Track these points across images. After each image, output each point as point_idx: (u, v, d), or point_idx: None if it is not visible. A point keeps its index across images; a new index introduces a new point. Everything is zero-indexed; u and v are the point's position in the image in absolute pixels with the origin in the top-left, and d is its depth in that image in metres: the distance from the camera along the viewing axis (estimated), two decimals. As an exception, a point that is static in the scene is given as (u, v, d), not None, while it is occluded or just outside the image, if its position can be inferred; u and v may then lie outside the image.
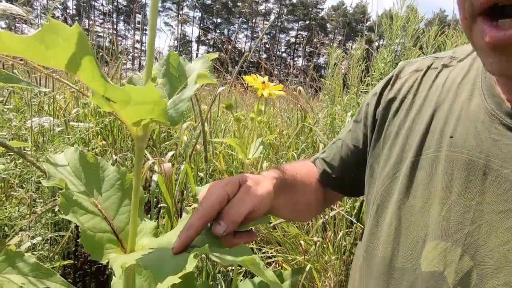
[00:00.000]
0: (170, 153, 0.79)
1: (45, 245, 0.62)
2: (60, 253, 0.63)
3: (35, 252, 0.60)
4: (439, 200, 0.38)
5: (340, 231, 1.32)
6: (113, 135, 1.52)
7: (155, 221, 0.40)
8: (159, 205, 0.79)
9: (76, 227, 0.72)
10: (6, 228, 0.65)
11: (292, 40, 40.12)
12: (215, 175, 1.56)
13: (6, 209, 0.60)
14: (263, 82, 0.47)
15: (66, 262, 0.62)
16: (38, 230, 0.59)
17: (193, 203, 0.76)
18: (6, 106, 0.88)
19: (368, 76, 1.64)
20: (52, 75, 0.65)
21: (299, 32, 39.93)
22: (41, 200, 0.68)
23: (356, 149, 0.53)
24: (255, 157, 0.48)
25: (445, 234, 0.36)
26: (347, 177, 0.55)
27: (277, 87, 0.49)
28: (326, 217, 1.35)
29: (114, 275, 0.41)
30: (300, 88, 1.96)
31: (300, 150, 1.93)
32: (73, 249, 0.63)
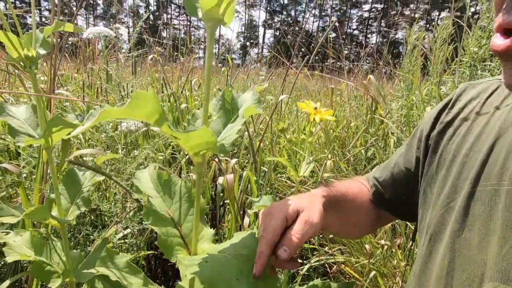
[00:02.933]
0: (233, 161, 0.84)
1: (134, 235, 0.75)
2: (145, 242, 0.76)
3: (126, 240, 0.74)
4: (498, 239, 0.35)
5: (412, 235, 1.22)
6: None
7: (219, 220, 0.44)
8: (225, 203, 0.85)
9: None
10: (105, 218, 0.81)
11: (365, 15, 36.66)
12: (278, 169, 1.59)
13: (106, 204, 0.75)
14: (315, 108, 0.47)
15: (149, 252, 0.74)
16: (128, 223, 0.71)
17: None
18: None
19: (455, 64, 1.41)
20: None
21: (374, 5, 36.18)
22: (130, 199, 0.81)
23: (408, 172, 0.52)
24: (305, 175, 0.48)
25: (505, 277, 0.34)
26: (399, 199, 0.54)
27: (328, 112, 0.49)
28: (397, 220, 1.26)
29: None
30: (371, 76, 1.80)
31: (369, 144, 1.81)
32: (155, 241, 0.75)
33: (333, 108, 2.33)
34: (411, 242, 1.21)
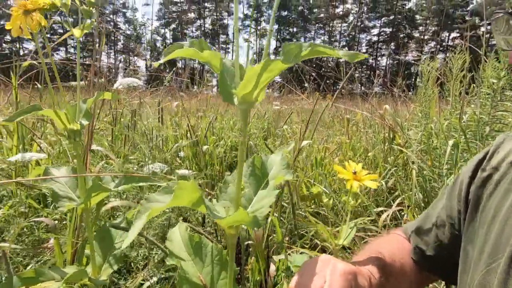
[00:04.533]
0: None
1: (159, 282, 0.75)
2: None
3: (152, 288, 0.74)
4: None
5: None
6: (205, 161, 1.72)
7: (243, 264, 0.44)
8: (248, 247, 0.85)
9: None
10: (132, 263, 0.82)
11: (374, 38, 37.30)
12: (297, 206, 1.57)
13: (133, 251, 0.76)
14: (354, 173, 0.44)
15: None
16: (154, 271, 0.72)
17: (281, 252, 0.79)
18: (131, 158, 1.12)
19: (473, 93, 1.40)
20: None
21: (382, 29, 36.84)
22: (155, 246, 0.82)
23: (452, 226, 0.49)
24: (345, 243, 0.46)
25: None
26: (443, 257, 0.51)
27: (372, 177, 0.44)
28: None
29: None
30: (386, 106, 1.80)
31: (389, 174, 1.77)
32: None
33: (350, 137, 2.32)
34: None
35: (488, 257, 0.40)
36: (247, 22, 41.66)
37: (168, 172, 0.99)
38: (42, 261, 0.74)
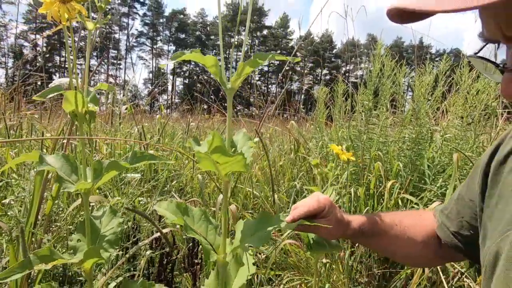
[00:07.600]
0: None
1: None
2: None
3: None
4: None
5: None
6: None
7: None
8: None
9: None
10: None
11: (265, 69, 41.91)
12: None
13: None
14: (342, 150, 0.67)
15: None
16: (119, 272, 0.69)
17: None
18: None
19: (354, 112, 1.88)
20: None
21: (271, 61, 41.79)
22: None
23: (473, 204, 0.51)
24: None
25: None
26: (464, 233, 0.52)
27: (350, 154, 0.69)
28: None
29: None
30: (293, 122, 2.18)
31: (297, 178, 2.10)
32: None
33: (263, 149, 2.61)
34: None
35: (506, 225, 0.39)
36: (142, 39, 39.79)
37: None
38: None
